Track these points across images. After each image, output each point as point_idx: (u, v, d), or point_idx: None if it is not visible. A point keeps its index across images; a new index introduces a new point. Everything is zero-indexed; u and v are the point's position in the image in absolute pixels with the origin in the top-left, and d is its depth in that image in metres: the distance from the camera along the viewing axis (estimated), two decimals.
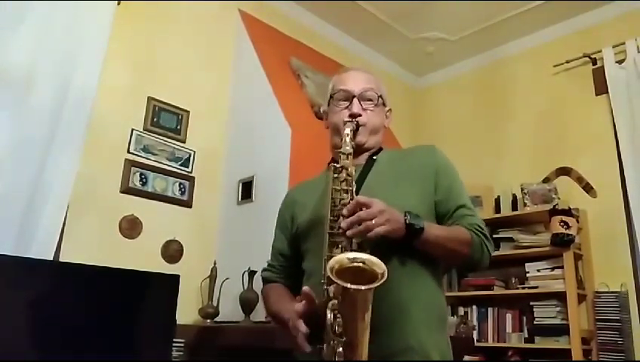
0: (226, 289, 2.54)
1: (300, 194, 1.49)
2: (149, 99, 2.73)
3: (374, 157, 1.38)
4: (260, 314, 2.33)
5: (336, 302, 0.99)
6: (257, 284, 2.39)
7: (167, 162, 2.72)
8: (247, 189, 2.75)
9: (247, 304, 2.36)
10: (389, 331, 1.12)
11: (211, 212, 2.86)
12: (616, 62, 3.25)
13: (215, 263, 2.62)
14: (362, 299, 0.96)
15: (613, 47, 3.27)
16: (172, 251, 2.64)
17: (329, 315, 0.99)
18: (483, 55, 4.06)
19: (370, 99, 1.38)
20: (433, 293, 1.25)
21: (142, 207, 2.56)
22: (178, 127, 2.82)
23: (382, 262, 0.99)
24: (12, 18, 2.18)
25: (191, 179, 2.80)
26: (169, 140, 2.76)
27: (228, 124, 3.05)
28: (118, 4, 2.53)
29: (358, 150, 1.32)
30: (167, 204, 2.67)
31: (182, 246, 2.69)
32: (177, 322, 2.11)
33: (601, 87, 3.32)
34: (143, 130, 2.67)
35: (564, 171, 3.36)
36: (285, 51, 3.23)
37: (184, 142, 2.82)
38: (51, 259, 2.10)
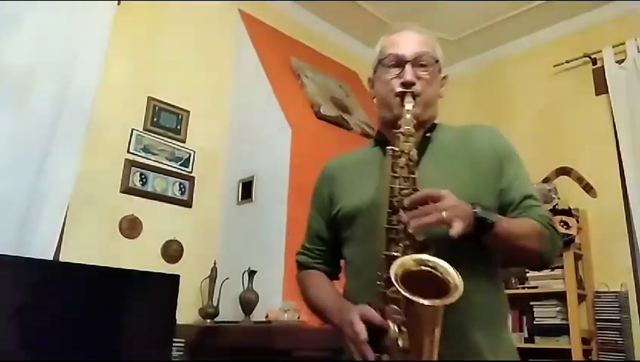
0: (226, 289, 2.54)
1: (340, 171, 1.30)
2: (149, 99, 2.73)
3: (428, 135, 1.21)
4: (260, 314, 2.33)
5: (399, 312, 0.88)
6: (257, 284, 2.40)
7: (167, 162, 2.72)
8: (247, 189, 2.75)
9: (247, 304, 2.36)
10: (453, 336, 0.97)
11: (211, 212, 2.86)
12: (616, 62, 3.25)
13: (215, 263, 2.62)
14: (433, 313, 0.85)
15: (613, 47, 3.27)
16: (172, 251, 2.64)
17: (392, 327, 0.89)
18: (483, 55, 4.06)
19: (426, 65, 1.19)
20: (497, 293, 1.14)
21: (142, 207, 2.56)
22: (178, 127, 2.82)
23: (455, 272, 0.87)
24: (12, 18, 2.18)
25: (191, 179, 2.80)
26: (169, 140, 2.76)
27: (228, 124, 3.05)
28: (118, 4, 2.53)
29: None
30: (167, 204, 2.68)
31: (182, 246, 2.69)
32: (177, 322, 2.11)
33: (601, 87, 3.32)
34: (143, 130, 2.67)
35: (564, 171, 3.36)
36: (285, 51, 3.23)
37: (184, 142, 2.82)
38: (51, 259, 2.10)
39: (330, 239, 1.28)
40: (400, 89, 1.14)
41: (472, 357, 1.02)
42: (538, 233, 1.07)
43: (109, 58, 2.45)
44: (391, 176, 1.01)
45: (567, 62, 3.48)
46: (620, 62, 3.24)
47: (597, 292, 3.03)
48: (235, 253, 2.68)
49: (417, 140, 1.13)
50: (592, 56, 3.37)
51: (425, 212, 0.92)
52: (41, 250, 2.05)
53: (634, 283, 2.99)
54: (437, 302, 0.82)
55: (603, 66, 3.30)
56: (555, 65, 3.56)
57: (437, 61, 1.21)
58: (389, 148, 1.04)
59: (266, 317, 2.26)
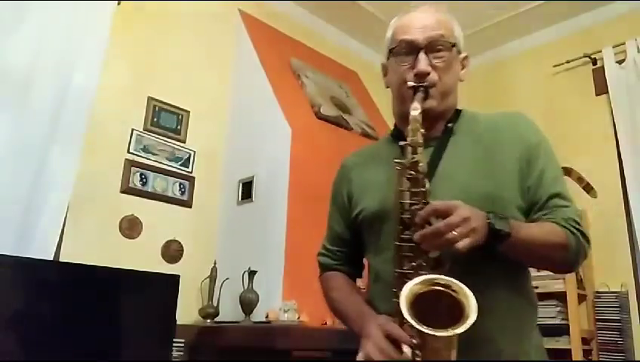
0: (226, 289, 2.54)
1: (358, 169, 1.23)
2: (149, 99, 2.73)
3: (450, 125, 1.12)
4: (260, 314, 2.33)
5: (414, 336, 0.85)
6: (257, 284, 2.40)
7: (167, 162, 2.72)
8: (247, 189, 2.75)
9: (247, 304, 2.36)
10: (476, 348, 0.92)
11: (211, 212, 2.86)
12: (616, 62, 3.25)
13: (215, 263, 2.62)
14: (447, 341, 0.81)
15: (613, 47, 3.27)
16: (172, 251, 2.64)
17: (406, 351, 0.86)
18: (483, 55, 4.06)
19: (441, 50, 1.08)
20: (521, 299, 1.07)
21: (142, 207, 2.56)
22: (178, 127, 2.82)
23: (471, 293, 0.82)
24: (12, 18, 2.18)
25: (191, 179, 2.80)
26: (169, 140, 2.76)
27: (228, 124, 3.05)
28: (118, 4, 2.53)
29: (429, 117, 1.05)
30: (167, 204, 2.67)
31: (182, 246, 2.68)
32: (177, 322, 2.11)
33: (601, 87, 3.32)
34: (143, 130, 2.67)
35: (564, 171, 3.33)
36: (285, 51, 3.23)
37: (184, 142, 2.82)
38: (51, 259, 2.10)
39: (351, 240, 1.23)
40: (412, 82, 1.05)
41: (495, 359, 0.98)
42: (561, 241, 1.00)
43: (109, 58, 2.44)
44: (400, 191, 0.97)
45: (567, 62, 3.48)
46: (620, 62, 3.24)
47: (597, 292, 3.03)
48: (235, 253, 2.68)
49: (438, 134, 1.10)
50: (592, 56, 3.37)
51: (435, 231, 0.87)
52: (41, 250, 2.05)
53: (634, 283, 2.99)
54: (450, 333, 0.79)
55: (603, 66, 3.30)
56: (555, 65, 3.56)
57: (454, 45, 1.11)
58: (395, 160, 0.98)
59: (266, 317, 2.26)
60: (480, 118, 1.17)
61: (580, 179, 3.29)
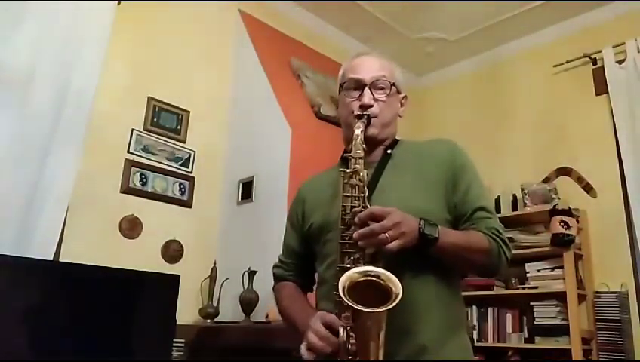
0: (226, 289, 2.54)
1: (309, 191, 1.41)
2: (149, 99, 2.73)
3: (389, 152, 1.30)
4: (260, 314, 2.33)
5: (349, 319, 0.98)
6: (257, 284, 2.40)
7: (167, 162, 2.72)
8: (247, 189, 2.75)
9: (247, 304, 2.36)
10: (403, 337, 1.08)
11: (211, 212, 2.86)
12: (616, 62, 3.25)
13: (215, 263, 2.62)
14: (376, 319, 0.94)
15: (613, 47, 3.27)
16: (172, 251, 2.64)
17: (342, 333, 0.98)
18: (483, 55, 4.06)
19: (383, 88, 1.28)
20: (449, 297, 1.19)
21: (142, 207, 2.56)
22: (178, 127, 2.82)
23: (397, 279, 0.96)
24: (12, 18, 2.18)
25: (191, 179, 2.80)
26: (169, 140, 2.76)
27: (228, 124, 3.05)
28: (118, 4, 2.53)
29: (371, 143, 1.24)
30: (167, 204, 2.68)
31: (182, 246, 2.69)
32: (177, 322, 2.11)
33: (601, 87, 3.32)
34: (143, 130, 2.67)
35: (564, 171, 3.36)
36: (285, 51, 3.23)
37: (184, 142, 2.82)
38: (51, 259, 2.10)
39: (303, 253, 1.37)
40: (358, 112, 1.24)
41: (419, 356, 1.08)
42: (483, 246, 1.14)
43: (109, 58, 2.45)
44: (343, 196, 1.11)
45: (567, 62, 3.48)
46: (620, 62, 3.24)
47: (597, 292, 3.03)
48: (235, 253, 2.68)
49: (378, 158, 1.27)
50: (592, 56, 3.37)
51: (370, 231, 1.01)
52: (41, 250, 2.05)
53: (634, 283, 2.99)
54: (377, 309, 0.91)
55: (603, 66, 3.30)
56: (555, 65, 3.56)
57: (393, 84, 1.29)
58: (340, 170, 1.14)
59: (266, 317, 2.26)
60: (415, 146, 1.34)
61: (579, 179, 3.29)
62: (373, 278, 0.97)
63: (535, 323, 3.10)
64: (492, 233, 1.16)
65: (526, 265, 3.20)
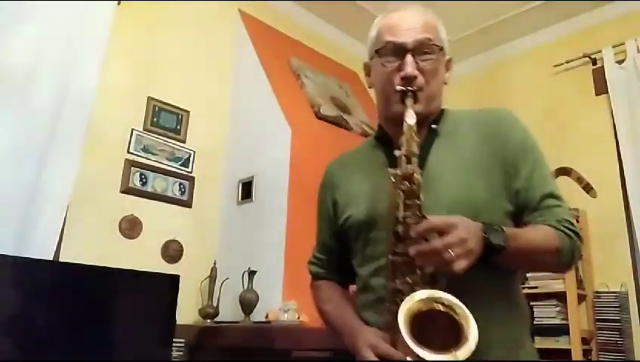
0: (226, 289, 2.54)
1: (341, 175, 1.21)
2: (149, 99, 2.73)
3: (434, 127, 1.10)
4: (260, 314, 2.33)
5: (409, 353, 0.81)
6: (257, 284, 2.40)
7: (167, 162, 2.72)
8: (247, 189, 2.75)
9: (247, 304, 2.36)
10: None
11: (211, 212, 2.86)
12: (616, 62, 3.25)
13: (215, 263, 2.62)
14: None
15: (613, 47, 3.27)
16: (172, 251, 2.64)
17: None
18: (483, 55, 4.06)
19: (429, 53, 1.06)
20: (514, 306, 1.05)
21: (142, 207, 2.56)
22: (178, 127, 2.82)
23: (474, 321, 0.80)
24: (12, 18, 2.18)
25: (191, 179, 2.80)
26: (169, 140, 2.76)
27: (228, 124, 3.05)
28: (118, 4, 2.53)
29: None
30: (167, 204, 2.67)
31: (182, 246, 2.68)
32: (177, 322, 2.11)
33: (601, 87, 3.32)
34: (143, 130, 2.67)
35: (564, 171, 3.36)
36: (285, 51, 3.23)
37: (184, 142, 2.82)
38: (51, 259, 2.10)
39: (338, 249, 1.20)
40: (400, 87, 1.04)
41: None
42: (555, 245, 0.98)
43: (109, 58, 2.44)
44: (393, 202, 0.94)
45: (567, 62, 3.48)
46: (620, 62, 3.24)
47: (597, 292, 3.03)
48: (235, 253, 2.68)
49: (422, 137, 1.05)
50: (592, 56, 3.37)
51: (432, 250, 0.85)
52: (41, 250, 2.05)
53: (634, 283, 2.99)
54: (451, 358, 0.76)
55: (603, 66, 3.30)
56: (555, 66, 3.56)
57: (441, 48, 1.08)
58: (390, 170, 0.96)
59: (266, 317, 2.26)
60: (464, 118, 1.14)
61: (579, 179, 3.29)
62: (445, 309, 0.82)
63: (535, 323, 3.09)
64: (564, 226, 1.00)
65: None
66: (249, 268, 2.41)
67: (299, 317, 2.21)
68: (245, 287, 2.39)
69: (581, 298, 3.04)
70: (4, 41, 2.15)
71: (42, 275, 1.84)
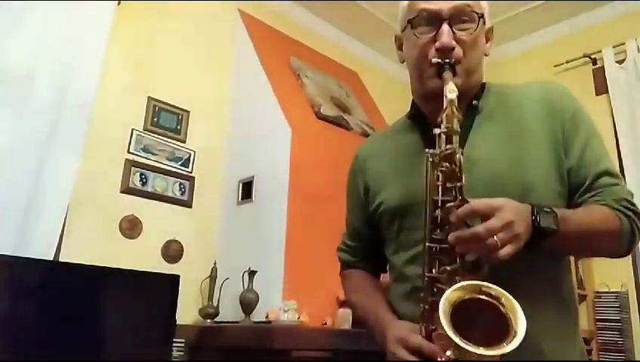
0: (226, 289, 2.54)
1: (372, 159, 1.13)
2: (149, 99, 2.73)
3: (475, 103, 1.01)
4: (260, 314, 2.33)
5: (447, 348, 0.75)
6: (257, 284, 2.40)
7: (167, 162, 2.72)
8: (247, 189, 2.75)
9: (247, 304, 2.36)
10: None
11: (211, 212, 2.86)
12: (616, 62, 3.25)
13: (215, 263, 2.62)
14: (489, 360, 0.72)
15: (613, 47, 3.27)
16: (172, 251, 2.64)
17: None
18: None
19: (467, 21, 0.97)
20: (565, 296, 0.97)
21: (142, 207, 2.56)
22: (178, 127, 2.82)
23: (522, 313, 0.72)
24: (12, 18, 2.18)
25: (191, 179, 2.80)
26: (169, 140, 2.76)
27: (228, 124, 3.05)
28: (118, 4, 2.53)
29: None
30: (167, 204, 2.67)
31: (182, 246, 2.68)
32: (177, 322, 2.11)
33: (601, 87, 3.32)
34: (143, 130, 2.67)
35: None
36: (285, 51, 3.23)
37: (184, 142, 2.82)
38: (51, 259, 2.10)
39: (370, 235, 1.13)
40: (436, 59, 0.94)
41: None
42: (613, 228, 0.90)
43: (109, 58, 2.45)
44: (432, 186, 0.86)
45: (567, 62, 3.48)
46: (620, 62, 3.24)
47: (597, 292, 3.03)
48: (235, 253, 2.68)
49: (463, 111, 0.93)
50: (592, 56, 3.37)
51: (474, 235, 0.77)
52: (41, 250, 2.05)
53: (634, 283, 2.99)
54: (497, 352, 0.70)
55: (603, 66, 3.30)
56: (555, 66, 3.56)
57: (481, 16, 0.98)
58: (427, 151, 0.87)
59: (266, 317, 2.26)
60: (508, 92, 1.05)
61: None
62: (491, 299, 0.75)
63: None
64: (622, 206, 0.91)
65: None
66: (249, 268, 2.41)
67: (299, 317, 2.21)
68: (245, 287, 2.39)
69: (581, 298, 3.04)
70: (4, 41, 2.15)
71: (42, 275, 1.84)
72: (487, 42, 1.05)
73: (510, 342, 0.70)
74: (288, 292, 2.32)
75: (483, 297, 0.76)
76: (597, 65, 3.37)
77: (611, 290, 2.98)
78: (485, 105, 1.02)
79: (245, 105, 3.02)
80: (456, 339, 0.70)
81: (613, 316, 2.90)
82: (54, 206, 2.13)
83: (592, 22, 3.49)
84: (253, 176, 2.73)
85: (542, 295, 0.91)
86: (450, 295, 0.76)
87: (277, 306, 2.27)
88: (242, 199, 2.77)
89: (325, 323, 2.33)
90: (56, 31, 2.28)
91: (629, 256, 3.01)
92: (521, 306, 0.74)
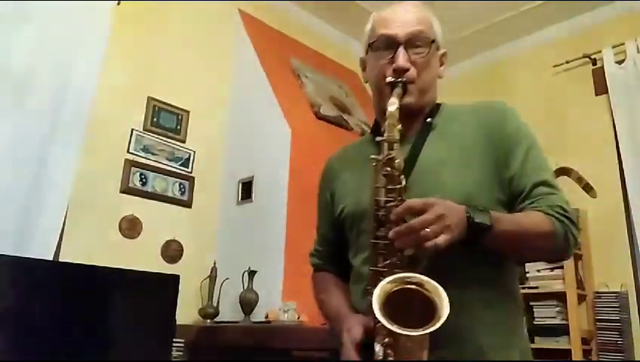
0: (226, 289, 2.54)
1: (339, 167, 1.23)
2: (149, 99, 2.73)
3: (429, 120, 1.10)
4: (260, 314, 2.33)
5: (386, 336, 0.83)
6: (257, 284, 2.40)
7: (167, 162, 2.72)
8: (247, 189, 2.75)
9: (247, 304, 2.36)
10: (456, 343, 0.93)
11: (211, 212, 2.86)
12: (616, 62, 3.25)
13: (215, 263, 2.62)
14: (418, 340, 0.80)
15: (613, 47, 3.27)
16: (172, 251, 2.64)
17: (378, 350, 0.84)
18: (483, 55, 4.06)
19: (421, 46, 1.07)
20: (506, 295, 1.03)
21: (142, 207, 2.56)
22: (178, 127, 2.82)
23: (444, 292, 0.80)
24: (12, 18, 2.18)
25: (191, 179, 2.80)
26: (169, 140, 2.76)
27: (228, 124, 3.05)
28: (118, 4, 2.53)
29: (408, 113, 1.04)
30: (167, 204, 2.67)
31: (182, 246, 2.69)
32: (177, 322, 2.11)
33: (601, 87, 3.32)
34: (143, 130, 2.67)
35: (564, 171, 3.35)
36: (285, 51, 3.23)
37: (184, 142, 2.82)
38: (51, 259, 2.10)
39: (336, 241, 1.21)
40: (391, 78, 1.04)
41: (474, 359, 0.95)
42: (547, 229, 0.96)
43: (109, 58, 2.45)
44: (375, 188, 0.95)
45: (567, 62, 3.48)
46: (619, 62, 3.24)
47: (597, 292, 3.03)
48: (235, 253, 2.68)
49: (417, 130, 1.08)
50: (592, 57, 3.37)
51: (409, 228, 0.85)
52: (41, 250, 2.05)
53: (634, 283, 2.99)
54: (420, 332, 0.77)
55: (603, 67, 3.30)
56: (555, 66, 3.56)
57: (433, 41, 1.09)
58: (372, 157, 0.97)
59: (266, 317, 2.26)
60: (459, 111, 1.14)
61: (579, 179, 3.29)
62: (415, 286, 0.83)
63: (535, 323, 3.09)
64: (555, 212, 0.97)
65: (526, 265, 3.19)
66: (249, 268, 2.41)
67: (299, 317, 2.21)
68: (245, 287, 2.39)
69: (581, 298, 3.04)
70: (4, 41, 2.15)
71: (42, 275, 1.84)
72: (441, 65, 1.16)
73: (434, 323, 0.77)
74: (288, 293, 2.32)
75: (409, 286, 0.83)
76: (597, 66, 3.37)
77: (611, 290, 2.97)
78: (438, 122, 1.11)
79: (245, 105, 3.02)
80: (385, 321, 0.78)
81: (613, 316, 2.89)
82: (54, 206, 2.13)
83: (591, 22, 3.49)
84: (253, 176, 2.74)
85: (478, 290, 0.98)
86: (382, 286, 0.84)
87: (277, 306, 2.27)
88: (242, 199, 2.77)
89: (325, 323, 2.33)
90: (56, 31, 2.28)
91: (629, 256, 3.03)
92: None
